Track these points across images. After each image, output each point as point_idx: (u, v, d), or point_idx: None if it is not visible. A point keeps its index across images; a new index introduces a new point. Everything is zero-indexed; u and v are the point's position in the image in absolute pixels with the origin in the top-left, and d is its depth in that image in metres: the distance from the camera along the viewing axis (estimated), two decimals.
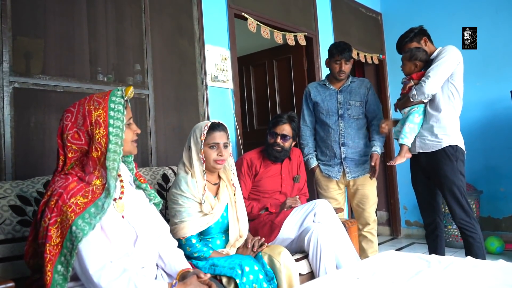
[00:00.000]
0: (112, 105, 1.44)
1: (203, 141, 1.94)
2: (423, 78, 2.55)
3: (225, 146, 1.99)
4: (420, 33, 2.74)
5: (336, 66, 2.93)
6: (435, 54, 2.67)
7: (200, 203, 1.91)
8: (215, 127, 1.98)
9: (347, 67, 2.92)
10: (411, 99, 2.58)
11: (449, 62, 2.52)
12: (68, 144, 1.41)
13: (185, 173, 1.96)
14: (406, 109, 2.67)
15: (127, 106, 1.51)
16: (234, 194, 2.06)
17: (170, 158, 2.72)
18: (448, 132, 2.56)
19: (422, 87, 2.51)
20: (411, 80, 2.64)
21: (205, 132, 1.94)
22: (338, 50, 2.90)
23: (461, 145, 2.60)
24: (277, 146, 2.57)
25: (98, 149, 1.40)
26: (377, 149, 2.97)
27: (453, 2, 4.46)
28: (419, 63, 2.66)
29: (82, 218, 1.31)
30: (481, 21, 4.21)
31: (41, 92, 2.16)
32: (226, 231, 2.02)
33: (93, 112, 1.42)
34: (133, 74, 2.61)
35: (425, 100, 2.59)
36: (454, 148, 2.55)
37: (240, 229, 2.02)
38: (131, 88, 1.50)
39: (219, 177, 2.10)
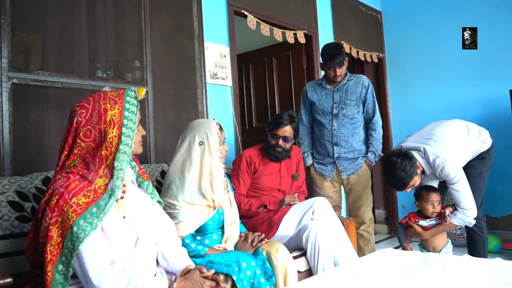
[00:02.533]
0: (127, 106, 1.44)
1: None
2: (459, 214, 2.42)
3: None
4: (413, 164, 2.40)
5: (331, 72, 2.88)
6: (429, 166, 2.48)
7: (212, 205, 1.94)
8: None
9: (342, 70, 2.87)
10: (468, 225, 2.51)
11: (463, 178, 2.40)
12: (78, 141, 1.40)
13: (180, 181, 1.90)
14: (442, 251, 2.49)
15: (138, 108, 1.50)
16: (228, 192, 2.08)
17: (168, 155, 2.72)
18: (481, 143, 2.63)
19: (465, 218, 2.43)
20: (446, 210, 2.45)
21: (218, 129, 2.00)
22: (330, 57, 2.82)
23: (491, 143, 2.68)
24: (278, 148, 2.57)
25: (109, 148, 1.40)
26: (371, 157, 2.98)
27: (453, 1, 4.46)
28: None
29: (83, 218, 1.30)
30: (481, 20, 4.21)
31: (40, 88, 2.16)
32: (222, 227, 2.03)
33: (109, 110, 1.41)
34: (132, 70, 2.61)
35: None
36: (486, 151, 2.64)
37: (231, 214, 2.04)
38: (144, 90, 1.50)
39: None
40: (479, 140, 2.63)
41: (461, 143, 2.55)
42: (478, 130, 2.65)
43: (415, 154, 2.46)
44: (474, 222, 2.45)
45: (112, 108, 1.42)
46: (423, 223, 2.48)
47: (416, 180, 2.44)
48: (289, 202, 2.39)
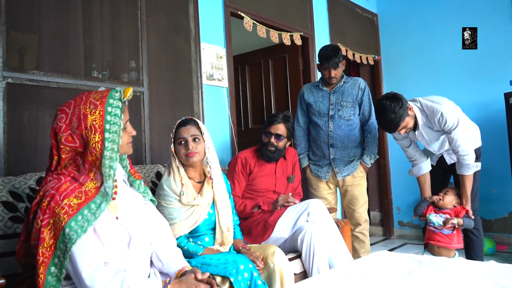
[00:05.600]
0: (109, 109, 1.37)
1: (173, 139, 2.00)
2: (459, 158, 2.49)
3: (195, 139, 1.98)
4: (402, 105, 2.43)
5: (326, 73, 2.91)
6: (420, 114, 2.54)
7: (179, 199, 1.92)
8: (182, 123, 2.02)
9: (337, 72, 2.89)
10: (468, 172, 2.52)
11: (462, 125, 2.46)
12: (62, 146, 1.37)
13: (167, 176, 1.98)
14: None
15: (124, 109, 1.44)
16: (212, 187, 2.01)
17: (164, 156, 2.71)
18: (472, 140, 2.64)
19: (467, 163, 2.47)
20: (454, 220, 2.48)
21: (173, 130, 2.00)
22: (325, 58, 2.85)
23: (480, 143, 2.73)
24: (271, 146, 2.57)
25: (93, 154, 1.36)
26: (366, 159, 2.99)
27: (448, 4, 4.48)
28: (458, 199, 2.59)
29: (75, 220, 1.29)
30: (476, 23, 4.24)
31: (34, 87, 2.15)
32: (214, 228, 2.02)
33: (88, 116, 1.36)
34: (128, 71, 2.60)
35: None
36: (478, 149, 2.69)
37: (220, 225, 1.99)
38: (130, 90, 1.43)
39: (206, 175, 2.07)
40: (473, 129, 2.67)
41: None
42: (471, 122, 2.71)
43: (410, 103, 2.52)
44: (473, 164, 2.48)
45: (92, 113, 1.36)
46: (432, 218, 2.56)
47: (408, 122, 2.48)
48: (283, 203, 2.39)
